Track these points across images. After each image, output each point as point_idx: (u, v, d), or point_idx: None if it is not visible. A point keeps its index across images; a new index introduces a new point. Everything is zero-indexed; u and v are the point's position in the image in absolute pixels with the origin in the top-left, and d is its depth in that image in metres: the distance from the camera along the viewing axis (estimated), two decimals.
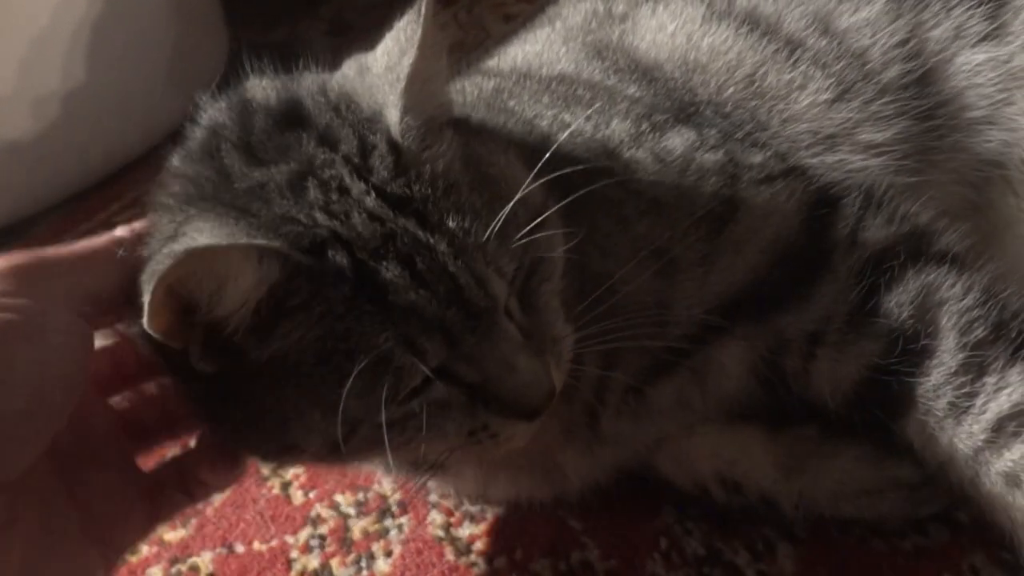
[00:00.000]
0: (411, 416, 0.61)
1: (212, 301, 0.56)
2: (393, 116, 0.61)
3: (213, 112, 0.66)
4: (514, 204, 0.60)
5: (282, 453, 0.67)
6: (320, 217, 0.58)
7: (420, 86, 0.62)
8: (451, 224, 0.59)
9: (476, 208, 0.60)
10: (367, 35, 0.69)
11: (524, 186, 0.61)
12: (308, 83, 0.67)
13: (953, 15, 0.89)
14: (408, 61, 0.61)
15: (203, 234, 0.56)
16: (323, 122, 0.62)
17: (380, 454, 0.62)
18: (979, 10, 0.88)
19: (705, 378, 0.79)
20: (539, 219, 0.62)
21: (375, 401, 0.58)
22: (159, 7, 1.61)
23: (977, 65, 0.87)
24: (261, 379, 0.60)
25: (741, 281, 0.76)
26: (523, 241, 0.61)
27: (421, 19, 0.61)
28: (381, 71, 0.64)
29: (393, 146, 0.61)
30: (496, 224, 0.59)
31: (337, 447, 0.61)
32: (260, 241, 0.56)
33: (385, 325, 0.58)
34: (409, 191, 0.60)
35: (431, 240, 0.58)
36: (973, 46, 0.88)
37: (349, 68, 0.68)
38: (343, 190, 0.59)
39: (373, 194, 0.59)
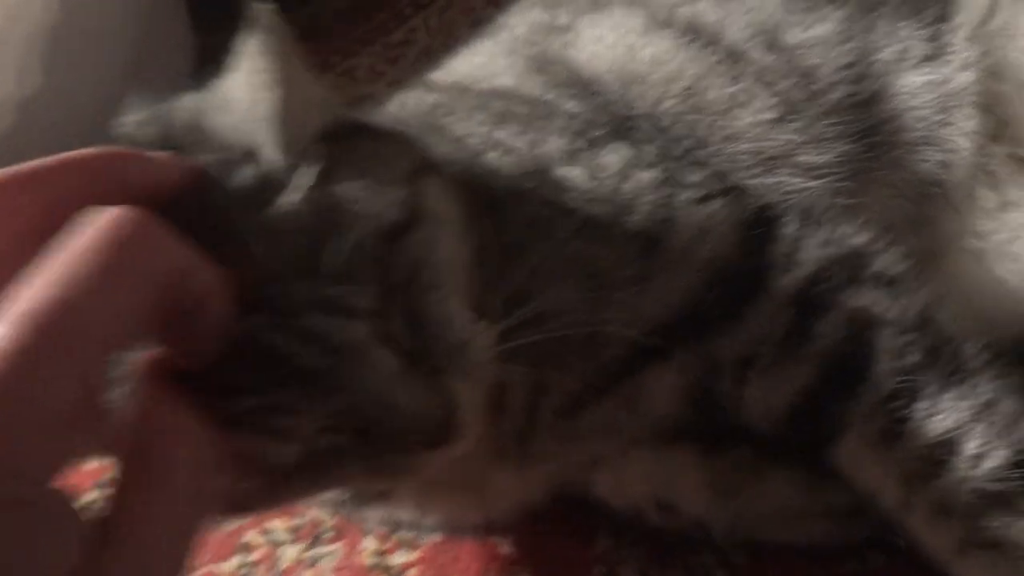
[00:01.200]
0: (296, 472, 0.57)
1: None
2: (269, 151, 0.56)
3: None
4: (354, 231, 0.55)
5: None
6: None
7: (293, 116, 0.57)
8: (272, 289, 0.53)
9: (304, 252, 0.54)
10: (338, 39, 0.66)
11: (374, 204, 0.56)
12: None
13: (899, 37, 0.88)
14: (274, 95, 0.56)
15: None
16: None
17: (277, 507, 0.60)
18: (922, 31, 0.87)
19: (636, 402, 0.77)
20: (400, 228, 0.57)
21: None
22: (118, 10, 1.57)
23: (916, 88, 0.86)
24: None
25: (677, 302, 0.74)
26: (372, 264, 0.55)
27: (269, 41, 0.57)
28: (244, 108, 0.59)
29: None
30: (322, 260, 0.54)
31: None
32: None
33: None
34: None
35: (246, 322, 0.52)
36: (913, 68, 0.87)
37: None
38: None
39: None
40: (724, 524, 0.77)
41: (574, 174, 0.76)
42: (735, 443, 0.78)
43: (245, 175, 0.56)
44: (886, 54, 0.87)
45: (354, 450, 0.58)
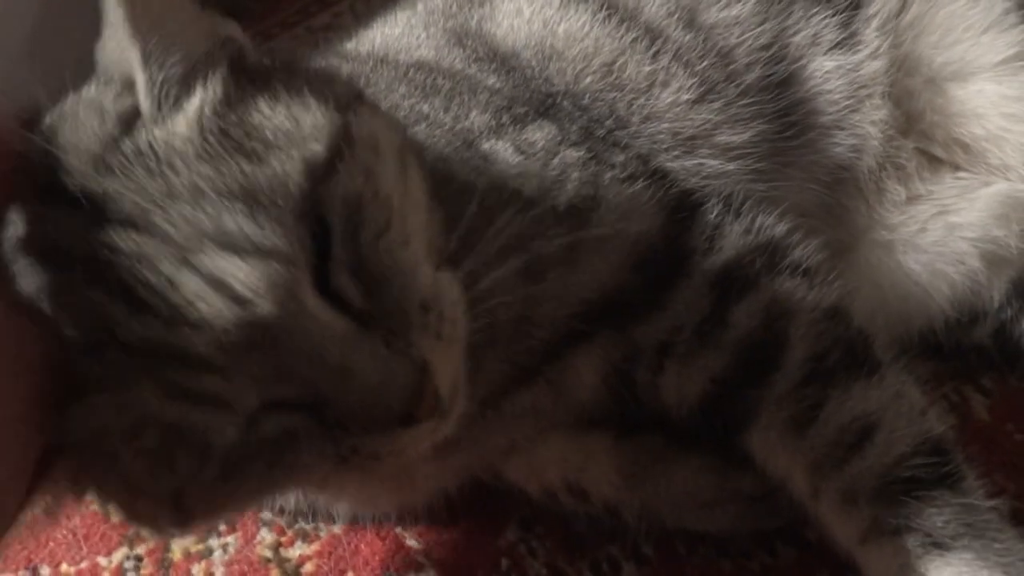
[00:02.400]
0: (247, 460, 0.51)
1: None
2: (141, 80, 0.51)
3: None
4: (278, 157, 0.50)
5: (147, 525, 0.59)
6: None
7: (154, 23, 0.51)
8: (158, 220, 0.48)
9: (214, 188, 0.49)
10: (261, 21, 0.61)
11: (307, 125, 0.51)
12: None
13: (812, 22, 0.88)
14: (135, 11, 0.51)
15: None
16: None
17: (243, 502, 0.55)
18: (835, 18, 0.88)
19: (561, 387, 0.76)
20: (327, 160, 0.51)
21: (187, 466, 0.49)
22: None
23: (827, 72, 0.87)
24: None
25: (604, 284, 0.74)
26: (299, 202, 0.50)
27: None
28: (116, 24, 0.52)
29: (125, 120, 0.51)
30: (230, 194, 0.48)
31: (185, 516, 0.53)
32: None
33: (132, 375, 0.47)
34: (107, 188, 0.48)
35: (137, 245, 0.47)
36: (825, 53, 0.88)
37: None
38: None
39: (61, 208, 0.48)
40: (634, 510, 0.76)
41: (500, 147, 0.75)
42: (647, 430, 0.78)
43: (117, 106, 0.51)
44: (800, 37, 0.88)
45: (309, 435, 0.52)
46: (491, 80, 0.83)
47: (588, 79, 0.83)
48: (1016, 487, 0.76)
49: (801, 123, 0.87)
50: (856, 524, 0.66)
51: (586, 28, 0.85)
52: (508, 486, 0.81)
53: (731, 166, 0.83)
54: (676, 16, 0.87)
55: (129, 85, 0.53)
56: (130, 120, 0.51)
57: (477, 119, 0.77)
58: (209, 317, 0.47)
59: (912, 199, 0.90)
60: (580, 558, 0.78)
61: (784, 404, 0.69)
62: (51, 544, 0.84)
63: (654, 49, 0.85)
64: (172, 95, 0.52)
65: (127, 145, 0.50)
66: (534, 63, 0.85)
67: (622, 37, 0.85)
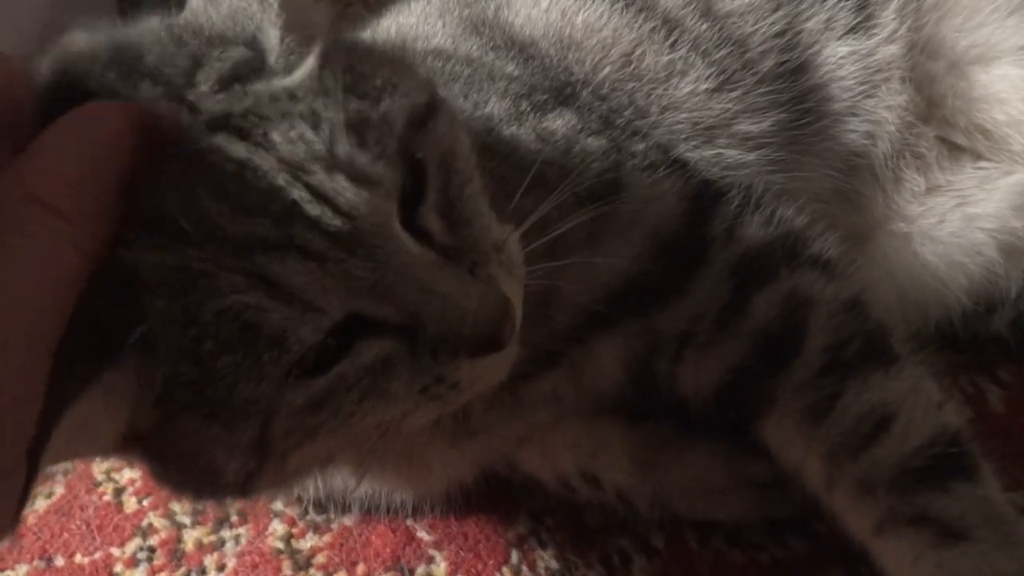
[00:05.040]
0: (341, 390, 0.53)
1: None
2: (273, 38, 0.54)
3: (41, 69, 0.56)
4: (385, 101, 0.53)
5: (210, 487, 0.58)
6: None
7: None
8: (276, 136, 0.50)
9: (329, 117, 0.52)
10: None
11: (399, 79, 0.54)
12: (149, 25, 0.58)
13: (826, 6, 0.88)
14: None
15: None
16: (155, 61, 0.53)
17: (320, 444, 0.55)
18: (849, 2, 0.87)
19: (583, 375, 0.76)
20: (425, 112, 0.55)
21: (274, 381, 0.50)
22: None
23: (841, 58, 0.86)
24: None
25: (627, 270, 0.74)
26: (400, 143, 0.53)
27: None
28: None
29: (238, 65, 0.53)
30: (343, 125, 0.51)
31: (262, 460, 0.53)
32: None
33: (234, 274, 0.49)
34: (231, 107, 0.51)
35: (248, 154, 0.49)
36: (839, 38, 0.87)
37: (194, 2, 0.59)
38: None
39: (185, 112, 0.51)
40: (646, 497, 0.76)
41: (521, 133, 0.75)
42: (658, 417, 0.78)
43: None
44: (813, 23, 0.87)
45: (403, 361, 0.54)
46: (509, 68, 0.83)
47: (607, 69, 0.83)
48: None
49: (815, 110, 0.86)
50: (872, 514, 0.65)
51: (604, 18, 0.85)
52: (521, 477, 0.81)
53: (750, 156, 0.83)
54: (692, 6, 0.86)
55: (249, 42, 0.55)
56: (254, 70, 0.53)
57: (497, 106, 0.77)
58: (318, 219, 0.50)
59: (931, 189, 0.89)
60: (590, 550, 0.78)
61: (801, 393, 0.69)
62: (65, 535, 0.85)
63: (672, 39, 0.84)
64: (297, 55, 0.54)
65: (251, 86, 0.53)
66: (552, 52, 0.84)
67: (640, 27, 0.85)
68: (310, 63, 0.54)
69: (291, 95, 0.52)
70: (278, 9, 0.54)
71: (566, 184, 0.71)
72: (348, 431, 0.56)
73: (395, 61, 0.60)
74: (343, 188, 0.51)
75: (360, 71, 0.55)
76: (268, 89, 0.52)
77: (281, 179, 0.50)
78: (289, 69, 0.54)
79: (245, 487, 0.57)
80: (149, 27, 0.57)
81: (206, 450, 0.53)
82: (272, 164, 0.50)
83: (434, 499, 0.80)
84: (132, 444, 0.53)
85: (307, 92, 0.52)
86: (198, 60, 0.53)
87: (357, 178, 0.51)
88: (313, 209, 0.50)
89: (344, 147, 0.51)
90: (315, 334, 0.50)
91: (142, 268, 0.48)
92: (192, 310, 0.49)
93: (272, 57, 0.54)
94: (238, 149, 0.50)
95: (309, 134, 0.51)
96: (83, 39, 0.57)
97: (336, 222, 0.50)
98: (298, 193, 0.50)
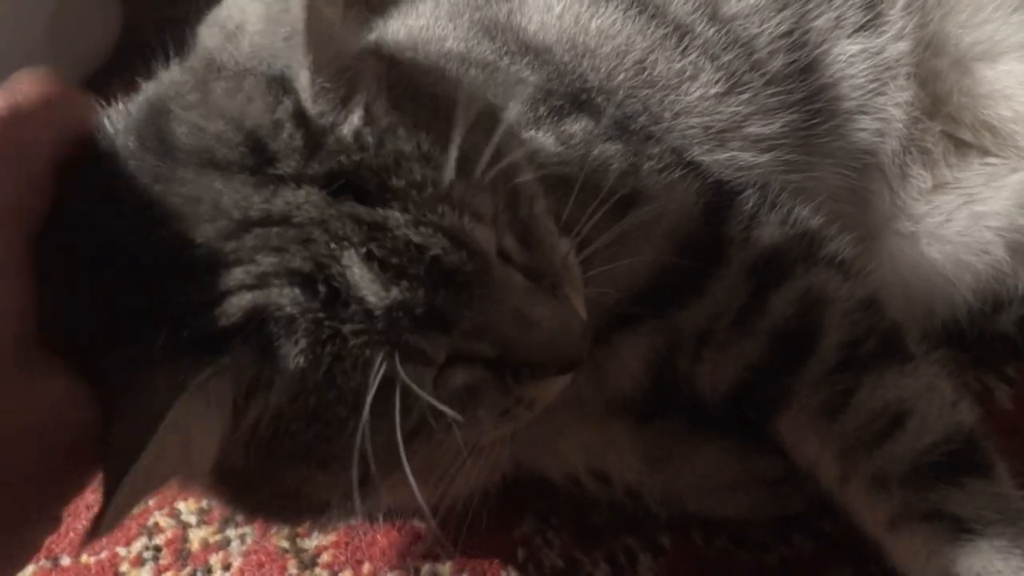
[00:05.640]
0: (429, 420, 0.52)
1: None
2: (303, 79, 0.51)
3: None
4: (468, 126, 0.50)
5: (308, 516, 0.60)
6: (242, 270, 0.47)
7: (323, 31, 0.51)
8: (395, 183, 0.49)
9: (424, 150, 0.50)
10: None
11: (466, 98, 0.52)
12: (169, 81, 0.55)
13: (835, 5, 0.87)
14: (297, 6, 0.50)
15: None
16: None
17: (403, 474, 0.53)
18: (858, 0, 0.87)
19: (606, 375, 0.76)
20: (501, 132, 0.53)
21: (387, 423, 0.49)
22: None
23: (851, 56, 0.86)
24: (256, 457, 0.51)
25: (650, 268, 0.74)
26: (494, 169, 0.51)
27: None
28: (261, 28, 0.52)
29: (300, 117, 0.50)
30: (452, 159, 0.49)
31: (363, 495, 0.52)
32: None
33: (373, 340, 0.48)
34: (334, 165, 0.49)
35: (379, 214, 0.48)
36: (848, 36, 0.87)
37: (210, 39, 0.55)
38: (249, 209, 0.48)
39: (291, 187, 0.48)
40: (656, 494, 0.76)
41: (541, 137, 0.75)
42: (668, 414, 0.78)
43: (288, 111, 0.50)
44: (822, 21, 0.87)
45: (488, 387, 0.54)
46: (525, 73, 0.83)
47: (621, 76, 0.83)
48: None
49: (826, 110, 0.86)
50: (886, 509, 0.65)
51: (617, 25, 0.85)
52: (529, 475, 0.80)
53: (763, 158, 0.83)
54: (701, 11, 0.87)
55: (279, 82, 0.51)
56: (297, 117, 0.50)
57: (515, 109, 0.76)
58: (448, 271, 0.49)
59: (938, 187, 0.88)
60: (596, 549, 0.78)
61: (816, 389, 0.69)
62: (71, 534, 0.85)
63: (683, 45, 0.85)
64: (337, 97, 0.51)
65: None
66: (567, 59, 0.85)
67: (652, 33, 0.85)
68: (363, 96, 0.51)
69: (379, 142, 0.50)
70: (305, 48, 0.51)
71: (587, 187, 0.71)
72: (429, 465, 0.56)
73: (444, 76, 0.59)
74: (468, 228, 0.50)
75: (423, 95, 0.54)
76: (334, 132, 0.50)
77: (416, 234, 0.48)
78: (336, 114, 0.51)
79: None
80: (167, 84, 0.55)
81: (307, 490, 0.54)
82: (400, 217, 0.48)
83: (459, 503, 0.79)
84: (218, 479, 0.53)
85: (397, 134, 0.50)
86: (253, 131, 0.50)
87: (476, 214, 0.51)
88: (451, 258, 0.49)
89: (459, 183, 0.50)
90: (424, 386, 0.50)
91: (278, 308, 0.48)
92: (323, 363, 0.48)
93: (313, 107, 0.51)
94: (359, 210, 0.48)
95: (424, 173, 0.49)
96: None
97: (470, 265, 0.49)
98: (436, 245, 0.48)
